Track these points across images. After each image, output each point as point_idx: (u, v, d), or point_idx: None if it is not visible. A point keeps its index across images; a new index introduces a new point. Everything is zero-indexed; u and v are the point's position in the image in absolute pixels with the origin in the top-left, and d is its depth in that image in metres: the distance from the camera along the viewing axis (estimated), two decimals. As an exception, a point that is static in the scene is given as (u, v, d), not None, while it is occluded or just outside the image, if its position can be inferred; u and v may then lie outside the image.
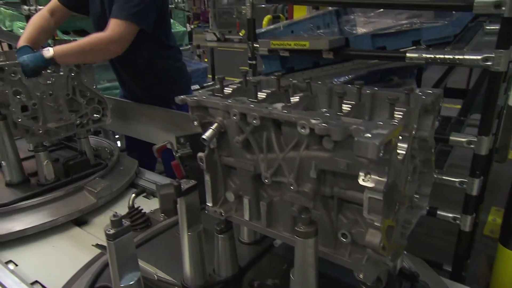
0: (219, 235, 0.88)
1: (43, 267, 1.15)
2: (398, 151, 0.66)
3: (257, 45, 1.88)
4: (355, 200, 0.65)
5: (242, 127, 0.73)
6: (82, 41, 1.59)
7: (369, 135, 0.52)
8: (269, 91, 0.79)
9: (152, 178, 1.68)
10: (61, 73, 1.47)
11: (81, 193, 1.43)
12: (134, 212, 1.26)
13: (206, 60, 3.62)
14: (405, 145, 0.67)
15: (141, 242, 1.11)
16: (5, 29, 3.48)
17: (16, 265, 1.17)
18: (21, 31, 3.19)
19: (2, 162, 1.48)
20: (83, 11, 1.90)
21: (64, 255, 1.22)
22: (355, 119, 0.63)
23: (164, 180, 1.68)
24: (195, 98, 0.76)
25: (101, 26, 1.70)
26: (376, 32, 1.78)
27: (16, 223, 1.27)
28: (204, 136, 0.74)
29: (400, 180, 0.66)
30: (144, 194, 1.53)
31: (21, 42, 1.68)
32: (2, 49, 5.29)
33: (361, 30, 1.81)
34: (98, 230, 1.34)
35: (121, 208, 1.44)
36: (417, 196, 0.85)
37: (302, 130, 0.63)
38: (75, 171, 1.51)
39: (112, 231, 0.67)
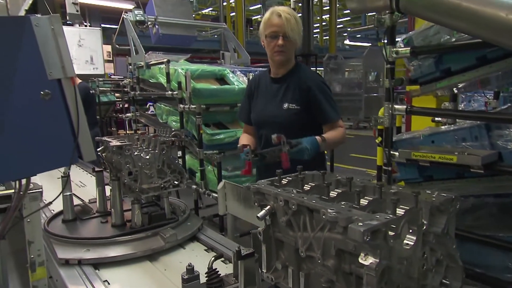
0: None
1: (124, 286, 1.70)
2: (407, 242, 0.92)
3: (395, 153, 1.95)
4: (365, 277, 0.91)
5: (286, 210, 1.05)
6: (340, 135, 2.12)
7: (361, 224, 0.81)
8: (313, 184, 1.12)
9: (211, 236, 2.14)
10: (156, 151, 2.05)
11: (155, 237, 2.00)
12: (212, 272, 1.59)
13: (325, 152, 4.09)
14: (414, 237, 0.92)
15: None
16: (161, 121, 4.48)
17: (109, 283, 1.70)
18: (174, 124, 4.04)
19: (112, 209, 2.13)
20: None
21: (137, 280, 1.75)
22: (360, 211, 0.91)
23: (223, 239, 2.07)
24: (256, 186, 1.13)
25: (260, 125, 2.29)
26: (541, 149, 1.72)
27: (111, 251, 1.88)
28: (258, 215, 1.09)
29: (413, 266, 0.91)
30: (222, 258, 1.81)
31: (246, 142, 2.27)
32: (148, 132, 6.91)
33: (518, 145, 1.77)
34: (162, 266, 1.85)
35: (182, 252, 2.00)
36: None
37: (323, 216, 0.93)
38: (155, 221, 2.11)
39: (186, 276, 1.03)
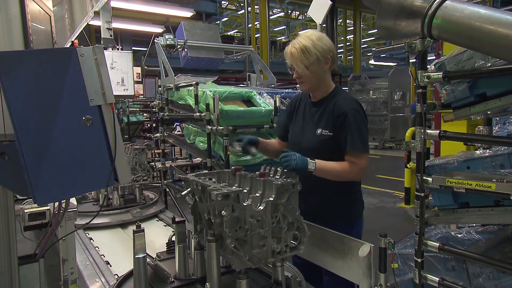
0: (195, 251, 1.83)
1: (102, 242, 2.62)
2: (260, 207, 1.56)
3: (428, 179, 1.92)
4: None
5: (197, 190, 1.69)
6: (341, 166, 2.06)
7: (216, 191, 1.44)
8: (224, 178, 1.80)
9: (169, 216, 3.09)
10: (130, 155, 2.86)
11: (127, 213, 3.04)
12: (170, 243, 2.29)
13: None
14: (264, 205, 1.56)
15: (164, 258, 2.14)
16: (188, 141, 4.55)
17: (93, 240, 2.63)
18: (202, 145, 4.14)
19: (100, 195, 3.12)
20: (287, 139, 2.46)
21: (112, 240, 2.68)
22: (228, 187, 1.54)
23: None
24: (185, 176, 1.78)
25: (295, 147, 2.24)
26: None
27: (96, 220, 2.84)
28: (182, 193, 1.76)
29: (264, 222, 1.54)
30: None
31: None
32: (174, 154, 7.48)
33: None
34: (130, 232, 2.75)
35: (146, 225, 2.95)
36: (295, 242, 1.64)
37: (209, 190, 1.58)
38: (128, 203, 3.18)
39: (136, 229, 1.72)
